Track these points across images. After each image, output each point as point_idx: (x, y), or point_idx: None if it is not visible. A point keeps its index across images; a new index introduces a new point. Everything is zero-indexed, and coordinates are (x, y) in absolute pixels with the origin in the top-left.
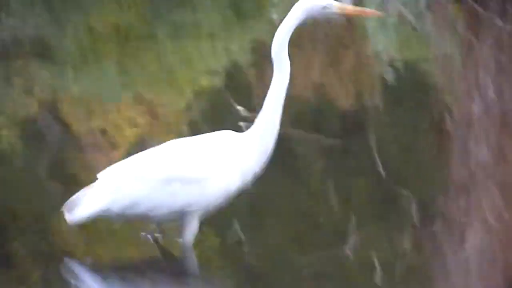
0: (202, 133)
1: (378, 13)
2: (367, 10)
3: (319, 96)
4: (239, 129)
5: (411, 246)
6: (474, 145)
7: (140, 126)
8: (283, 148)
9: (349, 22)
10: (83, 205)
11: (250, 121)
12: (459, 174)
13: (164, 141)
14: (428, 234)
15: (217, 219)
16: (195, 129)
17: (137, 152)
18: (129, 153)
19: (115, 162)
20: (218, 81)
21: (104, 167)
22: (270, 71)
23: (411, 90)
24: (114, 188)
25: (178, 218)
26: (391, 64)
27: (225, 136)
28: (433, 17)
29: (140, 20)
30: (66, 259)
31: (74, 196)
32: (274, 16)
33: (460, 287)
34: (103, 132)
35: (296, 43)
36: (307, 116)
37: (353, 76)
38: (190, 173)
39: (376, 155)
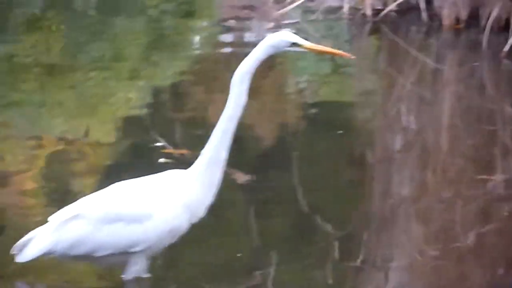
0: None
1: (348, 54)
2: (335, 51)
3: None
4: (159, 166)
5: (333, 282)
6: (396, 180)
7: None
8: None
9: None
10: (30, 246)
11: (171, 157)
12: (381, 208)
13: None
14: (350, 269)
15: None
16: (118, 165)
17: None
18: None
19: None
20: (139, 114)
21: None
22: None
23: (333, 124)
24: (58, 228)
25: (126, 260)
26: (313, 99)
27: (169, 174)
28: (354, 52)
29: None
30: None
31: (23, 238)
32: (197, 49)
33: None
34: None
35: (215, 74)
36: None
37: (274, 109)
38: (131, 211)
39: (297, 189)
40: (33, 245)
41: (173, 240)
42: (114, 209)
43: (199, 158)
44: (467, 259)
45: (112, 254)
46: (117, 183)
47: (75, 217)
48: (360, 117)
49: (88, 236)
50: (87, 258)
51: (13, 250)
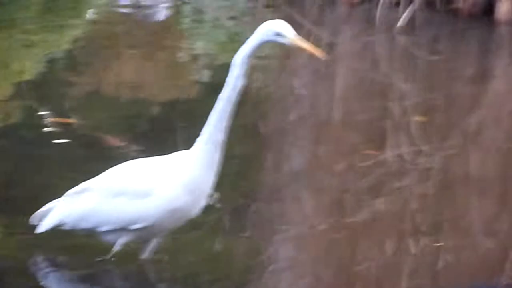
0: None
1: (323, 55)
2: (316, 50)
3: (135, 95)
4: (45, 134)
5: (224, 253)
6: (289, 152)
7: None
8: (95, 151)
9: (167, 24)
10: (47, 218)
11: (57, 126)
12: (273, 181)
13: None
14: (241, 241)
15: None
16: None
17: None
18: None
19: None
20: (31, 81)
21: None
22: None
23: None
24: (68, 201)
25: (132, 238)
26: (209, 67)
27: (176, 155)
28: (250, 22)
29: None
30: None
31: (41, 209)
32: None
33: None
34: None
35: (110, 40)
36: (122, 117)
37: (170, 76)
38: (133, 186)
39: None
40: (49, 216)
41: (177, 224)
42: (118, 184)
43: (198, 138)
44: (358, 233)
45: (117, 230)
46: (128, 161)
47: (84, 190)
48: (254, 87)
49: (94, 209)
50: (93, 232)
51: (32, 221)
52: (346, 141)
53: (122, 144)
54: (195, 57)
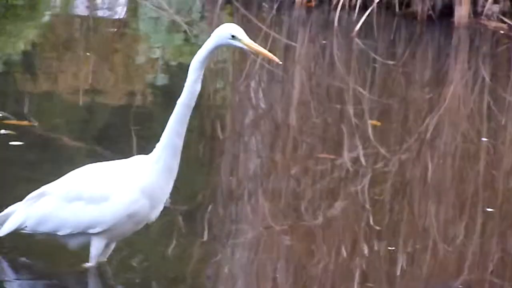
0: None
1: (278, 60)
2: (269, 54)
3: (91, 98)
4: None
5: (179, 256)
6: (245, 154)
7: None
8: (50, 153)
9: (124, 27)
10: (8, 221)
11: (12, 129)
12: (229, 184)
13: None
14: (196, 244)
15: None
16: None
17: None
18: None
19: None
20: None
21: None
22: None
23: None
24: (27, 205)
25: (87, 240)
26: (165, 70)
27: (133, 159)
28: (207, 25)
29: None
30: None
31: (3, 212)
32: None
33: None
34: None
35: (69, 46)
36: (78, 119)
37: (126, 79)
38: (89, 191)
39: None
40: (9, 220)
41: (136, 227)
42: (75, 188)
43: (157, 144)
44: (314, 236)
45: (74, 234)
46: (87, 165)
47: (42, 194)
48: (211, 91)
49: (52, 213)
50: (53, 235)
51: None
52: (303, 145)
53: (78, 146)
54: (151, 60)
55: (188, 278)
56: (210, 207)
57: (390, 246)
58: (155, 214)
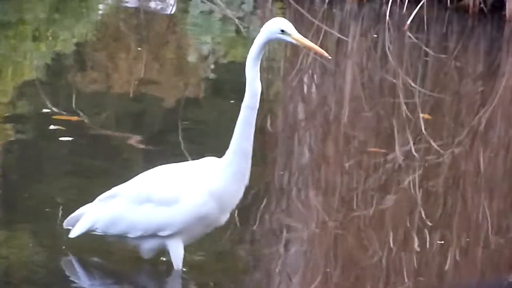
0: None
1: (327, 55)
2: (319, 49)
3: (143, 93)
4: (49, 132)
5: (232, 249)
6: (297, 148)
7: None
8: (101, 149)
9: (175, 20)
10: (79, 222)
11: (61, 124)
12: (282, 178)
13: None
14: (250, 238)
15: None
16: None
17: None
18: None
19: None
20: (39, 79)
21: None
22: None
23: (236, 90)
24: (97, 207)
25: (162, 244)
26: (217, 63)
27: (204, 161)
28: (258, 19)
29: None
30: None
31: (75, 213)
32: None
33: None
34: None
35: (121, 40)
36: (130, 115)
37: (179, 74)
38: (159, 193)
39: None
40: (80, 222)
41: (207, 230)
42: (145, 190)
43: (229, 148)
44: (367, 230)
45: (145, 237)
46: (157, 167)
47: (113, 195)
48: (264, 85)
49: (122, 214)
50: (123, 238)
51: (65, 224)
52: (354, 139)
53: (128, 141)
54: (201, 55)
55: (240, 274)
56: (264, 201)
57: (442, 240)
58: (225, 218)
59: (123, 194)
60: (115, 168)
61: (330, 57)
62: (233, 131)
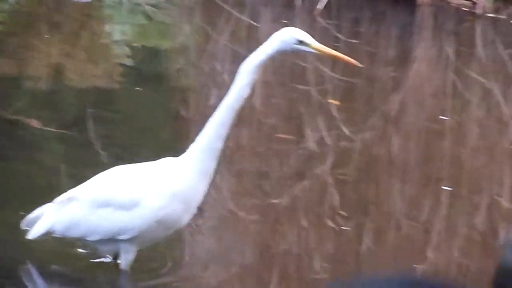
0: None
1: (354, 61)
2: (345, 57)
3: (55, 80)
4: None
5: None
6: None
7: None
8: (17, 135)
9: (86, 7)
10: (38, 224)
11: None
12: None
13: None
14: None
15: None
16: None
17: None
18: None
19: None
20: None
21: None
22: None
23: (148, 78)
24: (56, 209)
25: (117, 246)
26: (129, 51)
27: (163, 162)
28: (172, 6)
29: None
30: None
31: (33, 213)
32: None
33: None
34: None
35: (33, 26)
36: (43, 97)
37: (90, 60)
38: (119, 197)
39: (114, 145)
40: (38, 223)
41: (168, 232)
42: (104, 194)
43: (192, 146)
44: (280, 216)
45: (104, 240)
46: (115, 168)
47: (71, 199)
48: (176, 72)
49: (81, 218)
50: (84, 241)
51: (24, 225)
52: (267, 125)
53: (43, 129)
54: (116, 41)
55: (150, 262)
56: None
57: (355, 225)
58: (187, 218)
59: (81, 198)
60: (23, 153)
61: (361, 65)
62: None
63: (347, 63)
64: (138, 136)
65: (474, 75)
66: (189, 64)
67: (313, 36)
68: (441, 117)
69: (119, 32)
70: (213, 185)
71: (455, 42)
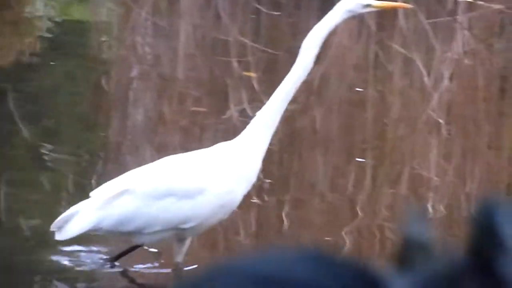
0: None
1: (408, 5)
2: (400, 4)
3: None
4: None
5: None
6: (133, 108)
7: None
8: None
9: None
10: (73, 222)
11: None
12: (120, 136)
13: None
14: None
15: None
16: None
17: None
18: None
19: None
20: None
21: None
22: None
23: (70, 51)
24: (104, 204)
25: (171, 237)
26: (51, 25)
27: (219, 147)
28: None
29: None
30: None
31: (63, 214)
32: None
33: None
34: None
35: None
36: None
37: (14, 33)
38: (182, 186)
39: (32, 116)
40: (77, 221)
41: (225, 216)
42: (164, 184)
43: (253, 122)
44: None
45: (162, 231)
46: (165, 157)
47: (123, 192)
48: (98, 44)
49: (137, 212)
50: (135, 234)
51: (53, 227)
52: (190, 98)
53: None
54: (36, 16)
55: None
56: (101, 159)
57: (279, 197)
58: (240, 199)
59: (137, 190)
60: None
61: (409, 7)
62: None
63: (400, 7)
64: (58, 110)
65: (396, 46)
66: (111, 37)
67: (234, 9)
68: (360, 89)
69: (41, 7)
70: (137, 160)
71: (376, 13)
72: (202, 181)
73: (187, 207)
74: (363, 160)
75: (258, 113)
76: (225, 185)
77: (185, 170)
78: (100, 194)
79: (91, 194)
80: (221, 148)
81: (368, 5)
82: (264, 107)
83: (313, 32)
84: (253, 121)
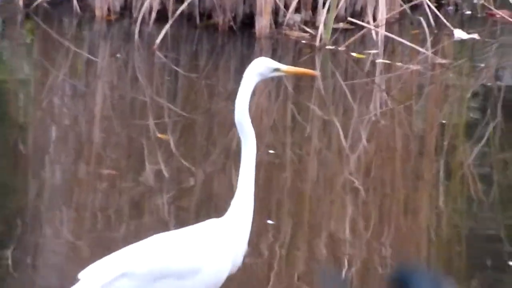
0: None
1: (316, 73)
2: (307, 70)
3: None
4: None
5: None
6: (49, 170)
7: None
8: None
9: None
10: None
11: None
12: (36, 200)
13: None
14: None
15: None
16: None
17: None
18: None
19: None
20: None
21: None
22: None
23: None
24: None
25: None
26: None
27: (210, 225)
28: (8, 41)
29: None
30: None
31: None
32: None
33: None
34: None
35: None
36: None
37: None
38: (179, 267)
39: None
40: None
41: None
42: (160, 265)
43: (231, 207)
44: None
45: None
46: (157, 235)
47: (122, 275)
48: (14, 107)
49: None
50: None
51: None
52: (106, 159)
53: None
54: None
55: None
56: (19, 226)
57: None
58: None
59: (134, 272)
60: None
61: (317, 74)
62: None
63: (309, 75)
64: None
65: (314, 107)
66: (28, 99)
67: (151, 70)
68: (272, 151)
69: None
70: (53, 223)
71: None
72: (197, 262)
73: (185, 285)
74: (272, 222)
75: (237, 191)
76: (219, 265)
77: (180, 250)
78: (93, 277)
79: (79, 276)
80: (212, 225)
81: (277, 69)
82: (238, 188)
83: (238, 107)
84: (234, 201)
